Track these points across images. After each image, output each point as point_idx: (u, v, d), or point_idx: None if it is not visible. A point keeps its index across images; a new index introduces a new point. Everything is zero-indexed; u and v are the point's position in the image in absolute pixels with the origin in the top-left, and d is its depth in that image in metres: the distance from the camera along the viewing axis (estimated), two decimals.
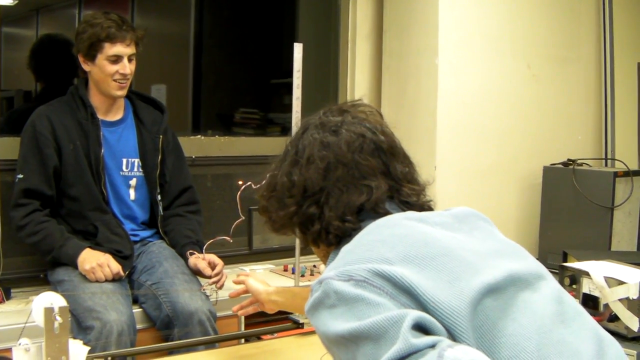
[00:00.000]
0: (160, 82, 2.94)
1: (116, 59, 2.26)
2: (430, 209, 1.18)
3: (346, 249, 1.00)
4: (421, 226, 1.03)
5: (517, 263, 1.01)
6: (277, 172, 1.18)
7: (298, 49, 2.05)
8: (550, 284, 1.02)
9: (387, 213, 1.10)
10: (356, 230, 1.07)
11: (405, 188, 1.15)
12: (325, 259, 1.17)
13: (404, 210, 1.12)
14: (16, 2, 2.56)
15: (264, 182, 1.21)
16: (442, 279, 0.91)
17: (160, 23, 3.05)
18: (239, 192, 1.83)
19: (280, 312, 2.05)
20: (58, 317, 1.47)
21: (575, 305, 1.02)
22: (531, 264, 1.03)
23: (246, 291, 1.85)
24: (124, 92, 2.33)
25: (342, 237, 1.10)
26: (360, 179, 1.11)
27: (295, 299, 1.71)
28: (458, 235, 1.03)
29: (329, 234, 1.11)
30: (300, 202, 1.13)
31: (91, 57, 2.26)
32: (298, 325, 1.94)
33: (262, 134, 3.19)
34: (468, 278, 0.92)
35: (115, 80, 2.27)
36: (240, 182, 1.98)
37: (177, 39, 3.09)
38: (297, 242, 2.06)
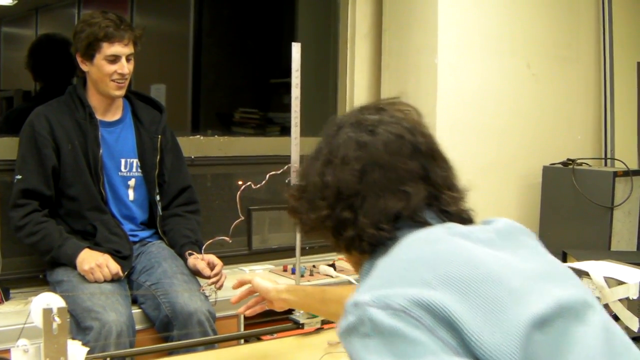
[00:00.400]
0: (160, 82, 2.93)
1: (114, 59, 2.25)
2: (469, 218, 1.10)
3: (384, 265, 0.94)
4: (465, 244, 0.96)
5: (565, 289, 0.94)
6: (309, 172, 1.11)
7: (297, 48, 2.04)
8: (598, 313, 0.95)
9: (425, 222, 1.03)
10: (392, 239, 1.01)
11: (444, 195, 1.07)
12: (357, 267, 1.11)
13: (443, 220, 1.05)
14: (15, 1, 2.55)
15: (294, 181, 1.16)
16: (487, 309, 0.86)
17: (160, 22, 3.04)
18: (238, 192, 1.83)
19: (278, 312, 2.05)
20: (57, 318, 1.46)
21: (623, 337, 0.96)
22: (579, 290, 0.97)
23: (252, 292, 1.79)
24: (122, 92, 2.32)
25: (376, 246, 1.04)
26: (398, 184, 1.04)
27: (307, 299, 1.65)
28: (503, 255, 0.97)
29: (362, 241, 1.04)
30: (333, 205, 1.06)
31: (89, 56, 2.25)
32: (298, 325, 1.94)
33: (262, 134, 3.19)
34: (515, 308, 0.87)
35: (113, 80, 2.27)
36: (240, 182, 1.98)
37: (176, 39, 3.09)
38: (298, 242, 2.05)
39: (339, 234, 1.07)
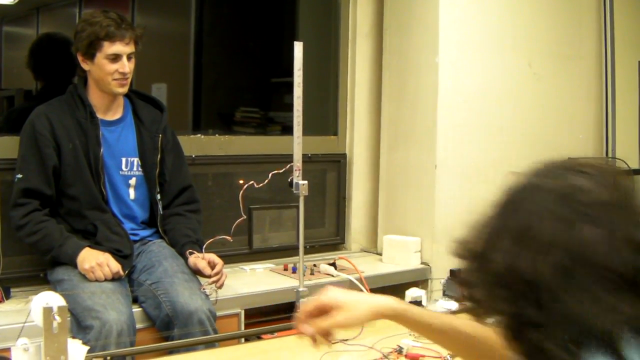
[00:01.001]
0: (161, 81, 2.93)
1: (115, 58, 2.25)
2: None
3: None
4: None
5: None
6: (493, 241, 0.84)
7: (299, 47, 2.04)
8: None
9: (619, 354, 0.77)
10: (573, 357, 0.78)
11: None
12: None
13: None
14: (16, 1, 2.55)
15: (468, 240, 0.89)
16: None
17: (161, 22, 3.04)
18: (241, 192, 1.83)
19: (280, 311, 2.05)
20: (57, 317, 1.46)
21: None
22: None
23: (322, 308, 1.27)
24: (124, 90, 2.32)
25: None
26: (607, 288, 0.77)
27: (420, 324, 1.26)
28: None
29: (540, 351, 0.79)
30: (516, 300, 0.81)
31: (90, 56, 2.25)
32: None
33: (263, 133, 3.19)
34: None
35: (115, 79, 2.27)
36: (241, 182, 1.97)
37: (177, 38, 3.09)
38: (301, 240, 2.04)
39: (519, 334, 0.83)
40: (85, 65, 2.28)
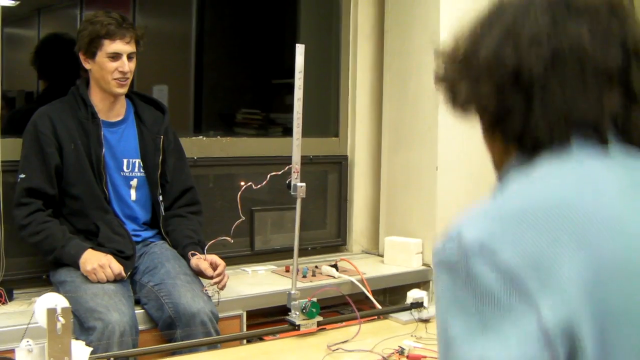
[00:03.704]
0: (162, 83, 2.93)
1: (115, 56, 2.26)
2: None
3: (518, 207, 0.74)
4: None
5: None
6: (477, 41, 0.88)
7: (300, 49, 2.04)
8: None
9: (605, 143, 0.81)
10: (558, 148, 0.81)
11: (636, 112, 0.83)
12: (497, 161, 0.90)
13: (622, 146, 0.82)
14: (18, 2, 2.56)
15: (451, 43, 0.93)
16: None
17: (162, 23, 3.05)
18: (239, 193, 1.83)
19: (282, 313, 2.05)
20: (61, 318, 1.47)
21: None
22: None
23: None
24: (124, 90, 2.33)
25: (538, 149, 0.82)
26: (593, 82, 0.81)
27: None
28: None
29: (525, 136, 0.82)
30: (503, 88, 0.83)
31: (91, 54, 2.27)
32: (295, 327, 1.94)
33: (264, 135, 3.19)
34: None
35: (115, 79, 2.28)
36: (242, 183, 1.98)
37: (178, 39, 3.09)
38: (296, 242, 2.05)
39: (499, 120, 0.86)
40: (87, 65, 2.30)
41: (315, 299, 1.95)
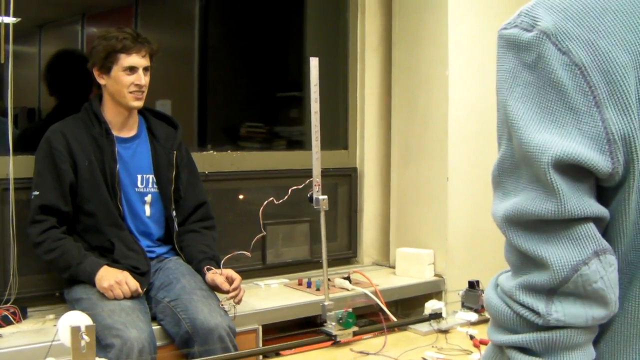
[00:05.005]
0: (165, 97, 2.93)
1: (132, 70, 2.27)
2: None
3: (593, 6, 0.72)
4: None
5: None
6: None
7: (314, 62, 2.04)
8: None
9: None
10: None
11: None
12: None
13: None
14: (19, 19, 2.56)
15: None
16: None
17: (165, 37, 3.05)
18: (261, 208, 1.83)
19: (297, 327, 2.05)
20: (85, 336, 1.46)
21: None
22: None
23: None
24: (140, 103, 2.33)
25: None
26: None
27: None
28: None
29: None
30: None
31: (107, 69, 2.27)
32: (331, 338, 1.93)
33: (268, 148, 3.18)
34: None
35: (131, 92, 2.28)
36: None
37: (181, 53, 3.09)
38: (324, 254, 2.03)
39: None
40: (101, 80, 2.30)
41: (351, 309, 1.95)
